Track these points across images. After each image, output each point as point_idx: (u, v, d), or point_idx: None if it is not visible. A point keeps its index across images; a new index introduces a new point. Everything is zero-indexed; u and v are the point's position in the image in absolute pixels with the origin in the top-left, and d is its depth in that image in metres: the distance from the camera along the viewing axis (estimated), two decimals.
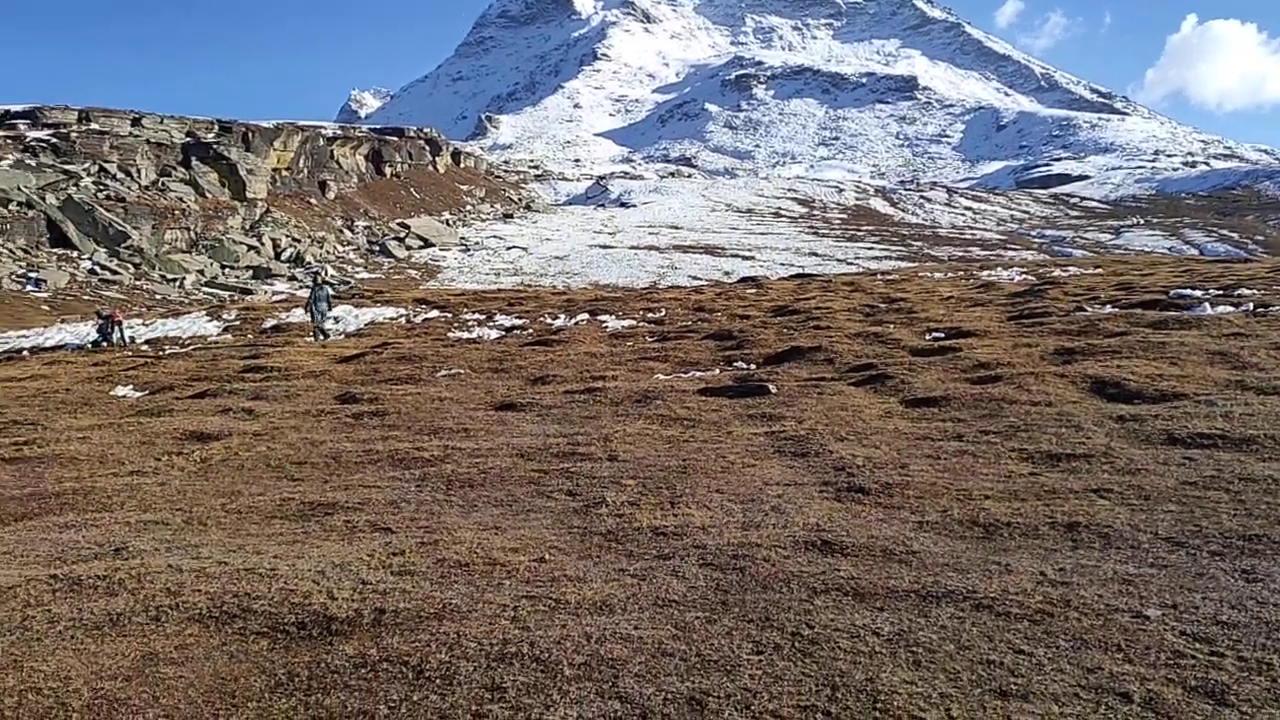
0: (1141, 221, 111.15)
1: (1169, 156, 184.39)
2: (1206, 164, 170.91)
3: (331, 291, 24.97)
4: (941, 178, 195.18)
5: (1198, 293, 19.50)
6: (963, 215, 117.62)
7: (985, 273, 32.19)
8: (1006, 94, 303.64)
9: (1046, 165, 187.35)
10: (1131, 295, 20.56)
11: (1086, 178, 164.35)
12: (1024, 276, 29.18)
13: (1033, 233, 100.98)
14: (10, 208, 53.79)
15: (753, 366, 15.08)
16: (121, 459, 9.69)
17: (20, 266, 48.98)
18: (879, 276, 34.58)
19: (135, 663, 4.28)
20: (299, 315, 26.17)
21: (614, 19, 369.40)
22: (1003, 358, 13.47)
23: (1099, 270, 29.02)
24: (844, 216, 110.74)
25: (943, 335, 16.76)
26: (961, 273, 33.89)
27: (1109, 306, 18.64)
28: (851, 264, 68.52)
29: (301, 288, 56.22)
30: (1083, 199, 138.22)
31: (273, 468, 9.18)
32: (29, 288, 46.43)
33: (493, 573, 5.54)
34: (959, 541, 5.96)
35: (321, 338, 22.29)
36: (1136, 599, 4.70)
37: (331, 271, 63.43)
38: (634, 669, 4.05)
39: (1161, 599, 4.69)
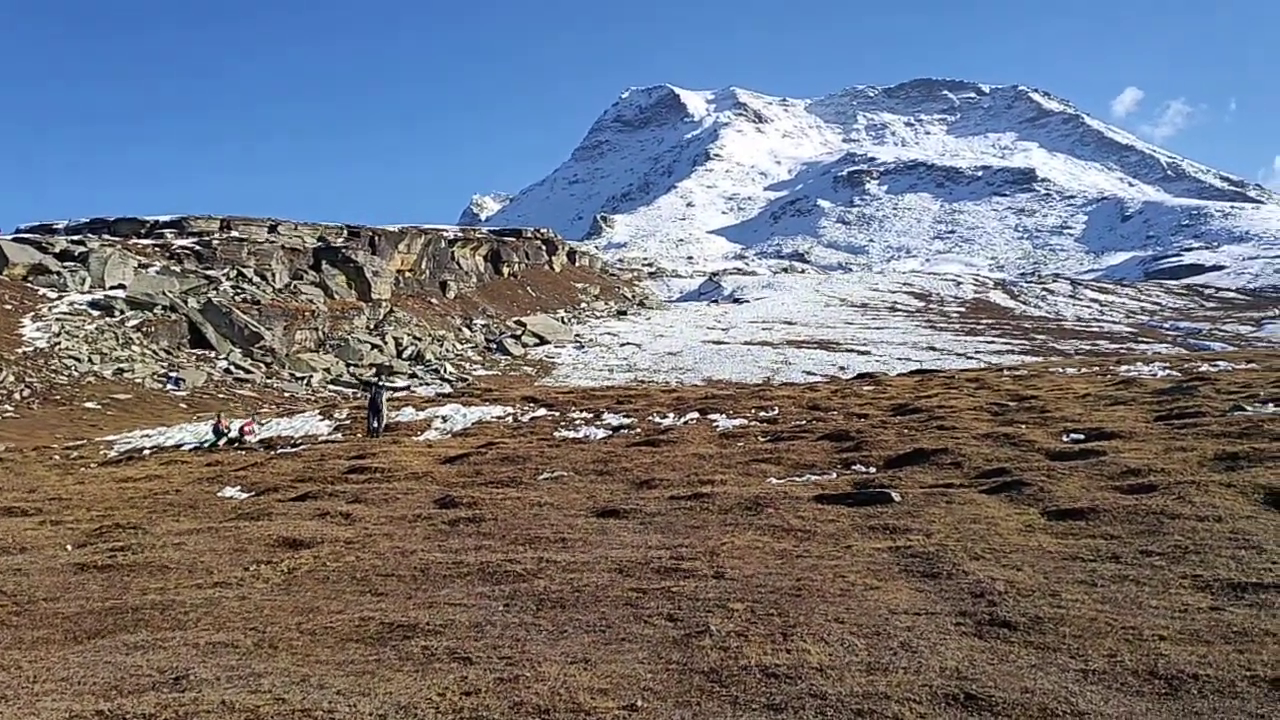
0: None
1: None
2: None
3: (389, 394, 27.35)
4: (1064, 270, 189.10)
5: None
6: (1089, 307, 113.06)
7: (1124, 368, 30.21)
8: (1131, 184, 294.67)
9: (1177, 255, 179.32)
10: None
11: (1221, 268, 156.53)
12: (1168, 372, 27.19)
13: (1165, 325, 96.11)
14: (155, 311, 56.83)
15: (873, 470, 14.06)
16: (210, 568, 9.35)
17: (162, 366, 51.28)
18: (1005, 372, 32.87)
19: None
20: (409, 413, 26.25)
21: (726, 120, 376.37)
22: (1155, 463, 12.16)
23: (1252, 365, 26.82)
24: (962, 310, 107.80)
25: (1083, 437, 15.41)
26: (1096, 368, 31.93)
27: (1271, 405, 16.94)
28: (972, 358, 66.12)
29: (421, 384, 57.26)
30: (1218, 290, 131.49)
31: (358, 580, 8.67)
32: (169, 387, 48.39)
33: None
34: (1136, 699, 4.93)
35: (374, 438, 22.29)
36: None
37: (449, 369, 64.57)
38: None
39: None
